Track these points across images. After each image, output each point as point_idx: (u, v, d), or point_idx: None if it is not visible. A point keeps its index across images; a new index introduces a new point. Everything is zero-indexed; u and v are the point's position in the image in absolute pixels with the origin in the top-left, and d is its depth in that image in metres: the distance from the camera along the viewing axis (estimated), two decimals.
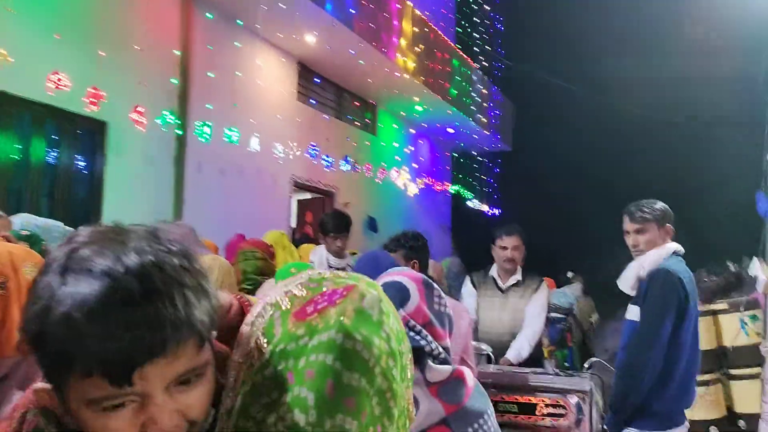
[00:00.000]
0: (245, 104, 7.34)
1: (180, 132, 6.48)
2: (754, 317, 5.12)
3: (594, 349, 5.71)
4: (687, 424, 2.95)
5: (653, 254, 2.92)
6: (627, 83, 13.16)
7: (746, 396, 5.00)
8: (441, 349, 1.21)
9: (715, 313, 4.79)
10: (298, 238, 8.39)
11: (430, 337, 1.19)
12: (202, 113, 6.56)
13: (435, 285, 1.28)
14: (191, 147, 6.68)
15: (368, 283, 0.85)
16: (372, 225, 10.83)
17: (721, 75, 11.44)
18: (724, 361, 4.84)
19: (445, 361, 1.20)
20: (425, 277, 1.29)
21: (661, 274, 2.84)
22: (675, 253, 2.94)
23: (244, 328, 0.83)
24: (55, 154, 5.61)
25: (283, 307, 0.82)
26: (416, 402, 1.12)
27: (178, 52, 6.61)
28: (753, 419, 4.82)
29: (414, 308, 1.22)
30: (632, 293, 2.99)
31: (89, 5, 5.64)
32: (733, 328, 5.12)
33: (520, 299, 3.96)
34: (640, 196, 3.10)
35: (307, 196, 10.00)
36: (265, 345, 0.78)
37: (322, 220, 4.43)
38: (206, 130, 6.15)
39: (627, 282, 3.02)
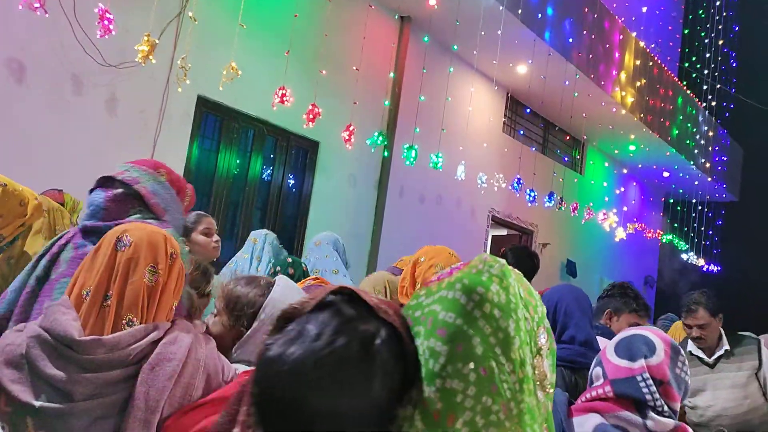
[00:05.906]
0: (452, 131, 7.14)
1: (386, 154, 6.44)
2: None
3: None
4: None
5: None
6: None
7: None
8: (667, 408, 1.35)
9: None
10: None
11: (657, 393, 1.35)
12: (409, 137, 6.46)
13: (682, 351, 1.43)
14: (394, 172, 6.62)
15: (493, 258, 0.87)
16: (571, 269, 10.12)
17: None
18: None
19: (669, 417, 1.34)
20: (674, 342, 1.45)
21: None
22: None
23: None
24: (270, 171, 5.80)
25: None
26: None
27: (392, 75, 6.61)
28: None
29: (656, 363, 1.38)
30: None
31: (316, 26, 5.80)
32: None
33: (738, 372, 3.26)
34: None
35: (503, 232, 9.54)
36: None
37: (505, 255, 3.54)
38: (412, 153, 6.01)
39: None
